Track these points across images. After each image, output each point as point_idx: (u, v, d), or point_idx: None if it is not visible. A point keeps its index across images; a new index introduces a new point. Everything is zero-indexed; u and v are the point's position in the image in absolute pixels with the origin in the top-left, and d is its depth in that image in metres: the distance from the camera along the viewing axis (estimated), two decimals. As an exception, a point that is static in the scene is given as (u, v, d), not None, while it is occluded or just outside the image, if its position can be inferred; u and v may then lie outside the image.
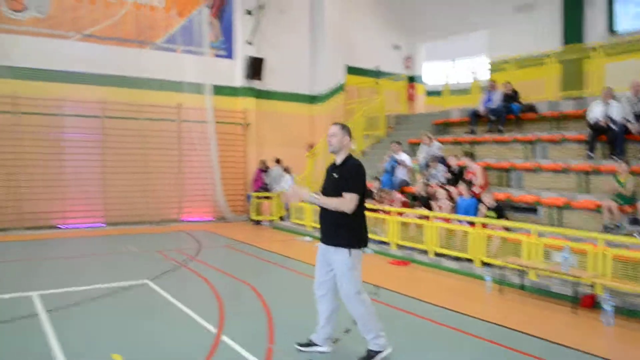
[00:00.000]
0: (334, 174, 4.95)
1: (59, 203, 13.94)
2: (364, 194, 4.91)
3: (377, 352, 4.91)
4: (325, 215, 4.96)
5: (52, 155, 13.87)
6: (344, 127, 5.02)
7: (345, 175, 4.83)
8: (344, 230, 4.82)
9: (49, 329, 5.79)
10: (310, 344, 5.19)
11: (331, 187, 4.92)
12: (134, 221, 14.68)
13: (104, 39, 14.66)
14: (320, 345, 5.18)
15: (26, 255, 10.57)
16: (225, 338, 5.55)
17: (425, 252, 9.89)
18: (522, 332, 5.92)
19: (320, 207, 4.98)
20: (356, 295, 4.84)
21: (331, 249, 4.90)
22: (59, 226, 13.84)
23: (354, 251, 4.82)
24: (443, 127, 14.97)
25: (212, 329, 5.87)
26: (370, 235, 10.79)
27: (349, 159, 4.96)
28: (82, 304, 6.87)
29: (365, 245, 4.96)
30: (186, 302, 6.93)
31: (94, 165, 14.40)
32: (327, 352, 5.17)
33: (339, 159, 4.99)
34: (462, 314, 6.66)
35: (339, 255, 4.83)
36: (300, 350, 5.16)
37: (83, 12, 14.41)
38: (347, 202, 4.73)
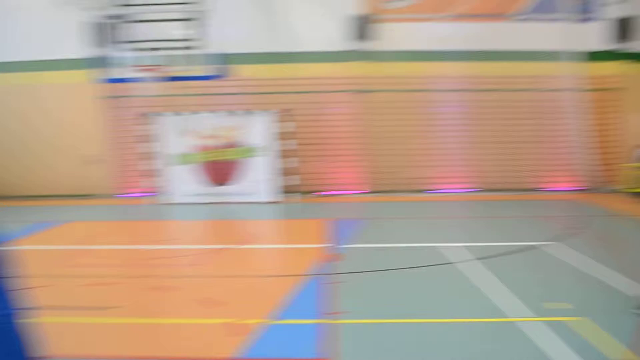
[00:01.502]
0: None
1: (432, 169, 15.39)
2: None
3: None
4: None
5: (425, 127, 15.34)
6: None
7: None
8: None
9: (472, 274, 6.63)
10: None
11: None
12: (501, 188, 15.15)
13: (469, 16, 15.34)
14: None
15: (415, 214, 12.17)
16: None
17: None
18: None
19: None
20: None
21: None
22: (432, 191, 15.30)
23: None
24: None
25: None
26: None
27: None
28: (488, 258, 7.59)
29: None
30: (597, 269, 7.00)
31: (462, 135, 15.36)
32: None
33: None
34: None
35: None
36: None
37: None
38: None
